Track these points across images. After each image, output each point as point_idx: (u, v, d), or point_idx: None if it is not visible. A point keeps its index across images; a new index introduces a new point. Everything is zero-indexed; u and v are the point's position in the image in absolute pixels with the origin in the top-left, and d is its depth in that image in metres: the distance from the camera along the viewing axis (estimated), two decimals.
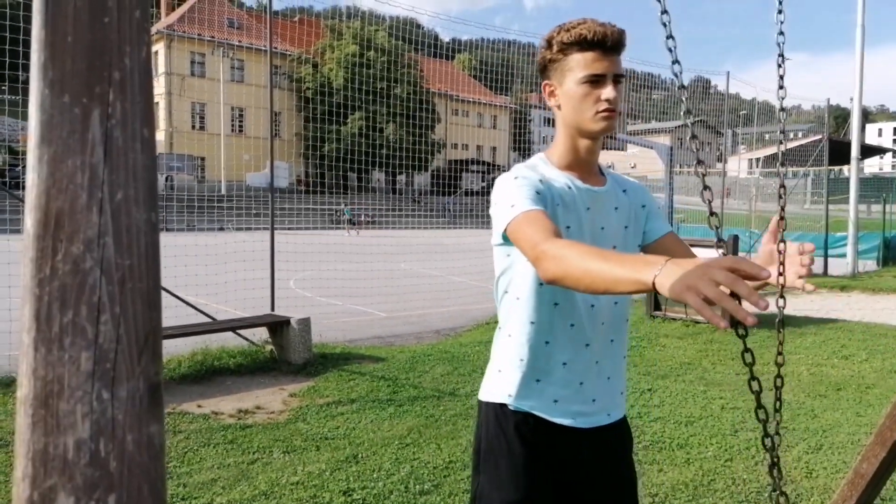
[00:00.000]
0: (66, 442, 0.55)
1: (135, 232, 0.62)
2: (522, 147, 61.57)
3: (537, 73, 1.63)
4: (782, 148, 1.68)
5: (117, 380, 0.57)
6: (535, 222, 1.33)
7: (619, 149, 12.23)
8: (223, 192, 33.92)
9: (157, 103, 44.29)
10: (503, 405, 1.60)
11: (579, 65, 1.50)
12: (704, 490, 3.55)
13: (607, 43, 1.49)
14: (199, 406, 4.99)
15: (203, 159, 41.67)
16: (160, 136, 42.91)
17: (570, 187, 1.55)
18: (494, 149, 60.80)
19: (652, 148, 12.45)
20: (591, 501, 1.64)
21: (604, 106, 1.50)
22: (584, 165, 1.60)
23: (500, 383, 1.61)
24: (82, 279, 0.60)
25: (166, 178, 32.60)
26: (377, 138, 39.82)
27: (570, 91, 1.52)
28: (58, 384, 0.56)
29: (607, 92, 1.49)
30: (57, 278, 0.60)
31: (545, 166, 1.59)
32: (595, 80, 1.49)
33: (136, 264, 0.61)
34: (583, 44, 1.49)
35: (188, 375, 5.67)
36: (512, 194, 1.45)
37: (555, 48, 1.53)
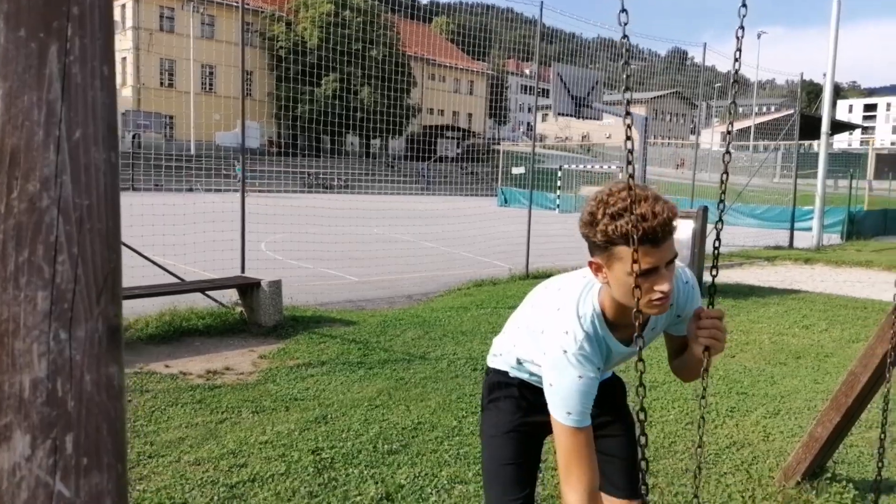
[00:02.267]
0: (21, 381, 0.55)
1: (94, 171, 0.61)
2: (499, 114, 61.19)
3: (581, 235, 1.51)
4: (734, 127, 1.68)
5: (75, 320, 0.56)
6: (581, 459, 1.54)
7: (595, 118, 12.19)
8: (192, 151, 33.23)
9: (125, 58, 42.88)
10: (506, 372, 1.94)
11: (628, 259, 1.39)
12: (665, 452, 3.66)
13: (657, 238, 1.38)
14: (167, 366, 4.95)
15: (172, 118, 40.66)
16: (127, 92, 41.67)
17: (610, 351, 1.64)
18: (471, 115, 60.39)
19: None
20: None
21: (657, 297, 1.44)
22: (630, 323, 1.57)
23: (509, 359, 1.93)
24: (39, 218, 0.58)
25: (133, 136, 31.78)
26: (352, 101, 39.20)
27: (619, 278, 1.45)
28: (13, 323, 0.55)
29: (662, 285, 1.42)
30: (12, 216, 0.59)
31: (599, 328, 1.59)
32: (647, 273, 1.40)
33: (95, 204, 0.60)
34: (630, 240, 1.37)
35: (155, 336, 5.62)
36: (574, 399, 1.53)
37: (598, 235, 1.42)
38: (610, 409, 1.94)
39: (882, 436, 2.12)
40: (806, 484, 3.21)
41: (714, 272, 1.49)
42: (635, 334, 1.42)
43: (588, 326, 1.57)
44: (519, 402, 1.88)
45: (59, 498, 0.55)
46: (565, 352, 1.54)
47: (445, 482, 3.20)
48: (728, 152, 1.54)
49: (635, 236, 1.34)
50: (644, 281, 1.40)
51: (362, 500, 3.00)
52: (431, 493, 3.08)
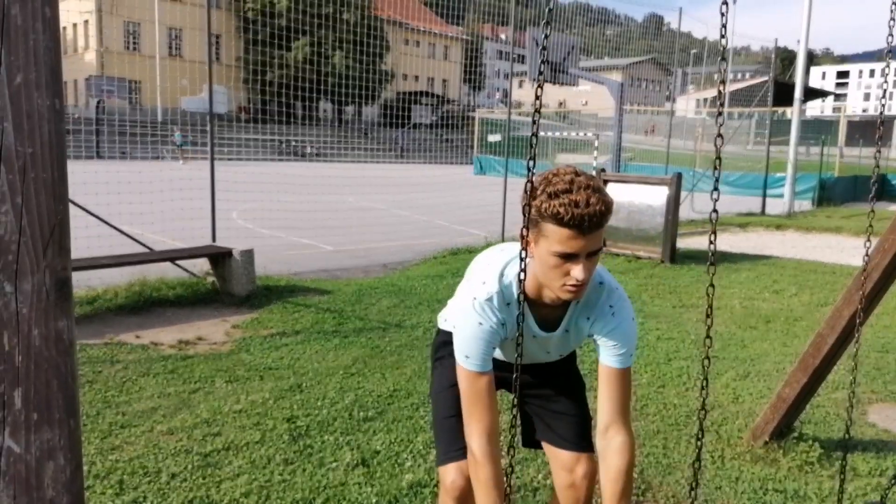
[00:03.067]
0: None
1: (37, 118, 0.56)
2: (474, 79, 60.59)
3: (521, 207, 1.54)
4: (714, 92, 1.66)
5: (21, 273, 0.53)
6: (479, 402, 1.61)
7: (571, 84, 12.15)
8: (159, 118, 32.43)
9: (87, 21, 41.43)
10: (449, 332, 1.91)
11: (554, 237, 1.45)
12: (637, 414, 3.72)
13: (584, 226, 1.43)
14: (138, 337, 4.88)
15: (138, 83, 39.55)
16: (90, 56, 40.38)
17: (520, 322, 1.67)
18: (446, 81, 59.73)
19: (603, 84, 12.43)
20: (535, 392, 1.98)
21: (572, 282, 1.49)
22: (550, 305, 1.67)
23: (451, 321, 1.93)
24: None
25: (98, 102, 30.85)
26: (324, 66, 38.45)
27: (542, 255, 1.50)
28: None
29: (577, 272, 1.47)
30: None
31: (515, 294, 1.64)
32: (567, 257, 1.47)
33: (40, 153, 0.56)
34: (559, 221, 1.43)
35: (125, 306, 5.52)
36: (470, 343, 1.61)
37: (533, 209, 1.47)
38: (554, 377, 1.99)
39: (851, 395, 2.16)
40: (773, 443, 3.29)
41: (712, 259, 1.46)
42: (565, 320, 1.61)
43: (506, 286, 1.63)
44: None
45: (9, 453, 0.54)
46: (474, 299, 1.61)
47: (421, 447, 3.21)
48: (720, 135, 1.48)
49: (566, 218, 1.41)
50: (562, 263, 1.47)
51: (338, 467, 3.00)
52: (407, 459, 3.10)
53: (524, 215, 1.49)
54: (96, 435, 3.23)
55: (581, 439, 1.92)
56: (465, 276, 1.92)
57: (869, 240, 2.27)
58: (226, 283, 6.08)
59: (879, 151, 2.36)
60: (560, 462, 1.91)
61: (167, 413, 3.53)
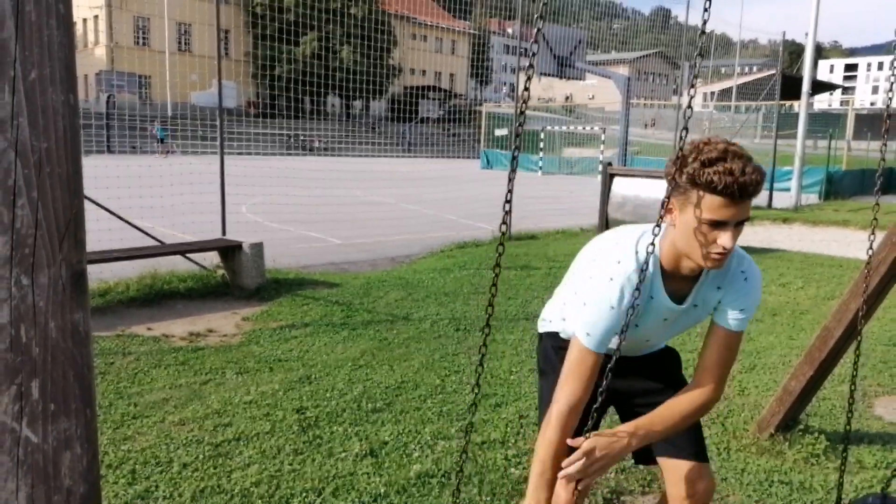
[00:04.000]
0: None
1: (51, 114, 0.58)
2: (481, 74, 60.43)
3: (664, 176, 1.54)
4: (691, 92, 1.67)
5: (37, 266, 0.54)
6: (580, 376, 1.60)
7: (578, 78, 12.10)
8: (169, 112, 32.51)
9: (97, 16, 41.57)
10: (556, 334, 1.96)
11: (704, 205, 1.45)
12: None
13: (737, 195, 1.42)
14: (149, 329, 4.93)
15: (148, 78, 39.67)
16: (100, 51, 40.53)
17: (652, 298, 1.65)
18: (453, 76, 59.60)
19: (610, 78, 12.37)
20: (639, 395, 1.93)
21: (718, 250, 1.48)
22: (683, 276, 1.64)
23: (560, 326, 1.95)
24: None
25: (108, 97, 30.97)
26: (332, 60, 38.44)
27: (688, 223, 1.49)
28: None
29: (725, 239, 1.46)
30: None
31: (651, 268, 1.61)
32: (717, 224, 1.46)
33: (55, 148, 0.58)
34: (712, 189, 1.43)
35: (136, 299, 5.57)
36: (598, 324, 1.58)
37: (684, 177, 1.47)
38: (664, 379, 1.93)
39: (852, 387, 2.17)
40: (779, 436, 3.30)
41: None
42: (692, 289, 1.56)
43: (642, 261, 1.57)
44: None
45: (27, 443, 0.55)
46: (611, 279, 1.56)
47: (428, 438, 3.24)
48: (685, 119, 1.52)
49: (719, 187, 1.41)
50: (710, 231, 1.46)
51: (347, 457, 3.03)
52: (415, 450, 3.13)
53: (671, 185, 1.50)
54: (109, 425, 3.28)
55: (701, 450, 1.86)
56: (573, 270, 1.83)
57: (874, 233, 2.27)
58: (236, 276, 6.12)
59: (885, 144, 2.36)
60: (679, 474, 1.82)
61: (178, 404, 3.57)
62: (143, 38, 42.99)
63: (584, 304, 1.60)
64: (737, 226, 1.47)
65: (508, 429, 3.37)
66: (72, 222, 0.57)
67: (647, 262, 1.55)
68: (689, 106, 1.51)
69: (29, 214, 0.56)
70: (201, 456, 3.01)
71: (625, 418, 1.91)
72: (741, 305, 1.67)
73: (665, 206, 1.51)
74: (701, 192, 1.44)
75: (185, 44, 43.39)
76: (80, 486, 0.58)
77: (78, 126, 0.62)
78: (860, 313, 2.37)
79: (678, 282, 1.64)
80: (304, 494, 2.72)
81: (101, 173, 7.14)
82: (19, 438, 0.54)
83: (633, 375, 1.91)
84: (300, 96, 36.72)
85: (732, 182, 1.40)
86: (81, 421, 0.57)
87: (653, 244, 1.52)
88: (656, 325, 1.72)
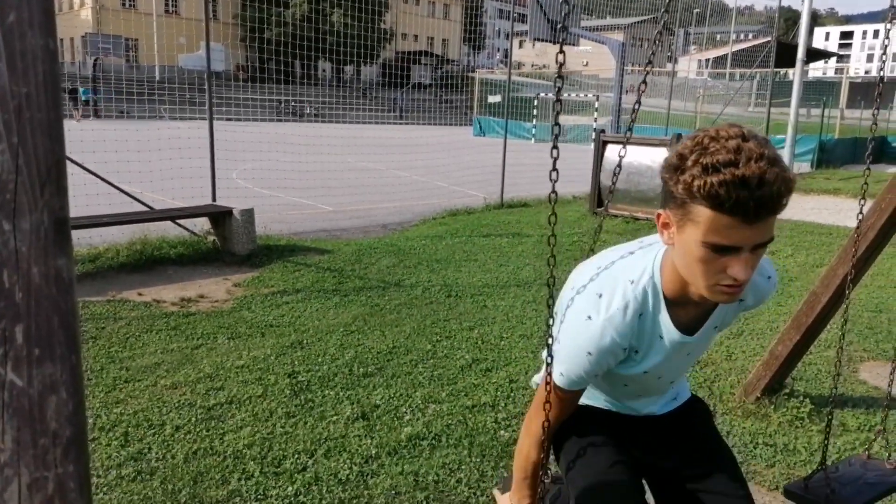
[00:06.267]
0: None
1: (31, 58, 0.57)
2: (474, 39, 59.61)
3: (660, 178, 1.17)
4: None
5: (19, 212, 0.54)
6: (558, 407, 1.37)
7: (572, 44, 11.96)
8: (157, 76, 31.96)
9: None
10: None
11: (707, 224, 1.08)
12: None
13: (751, 213, 1.04)
14: (140, 294, 4.92)
15: (135, 41, 38.91)
16: (86, 13, 39.64)
17: (661, 338, 1.31)
18: (446, 41, 58.78)
19: (605, 44, 12.24)
20: (678, 468, 1.52)
21: (727, 282, 1.12)
22: (696, 303, 1.29)
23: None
24: None
25: (95, 60, 30.40)
26: (322, 23, 37.77)
27: (688, 244, 1.12)
28: None
29: (737, 270, 1.09)
30: None
31: (650, 301, 1.28)
32: (724, 249, 1.09)
33: (34, 93, 0.57)
34: (718, 205, 1.05)
35: (127, 264, 5.55)
36: (571, 367, 1.29)
37: (680, 186, 1.09)
38: (695, 447, 1.52)
39: (839, 350, 2.20)
40: (765, 399, 3.36)
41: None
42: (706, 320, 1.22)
43: (638, 294, 1.25)
44: (609, 436, 1.53)
45: (12, 387, 0.55)
46: (589, 318, 1.25)
47: (419, 402, 3.28)
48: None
49: (727, 203, 1.04)
50: (717, 258, 1.10)
51: (338, 420, 3.06)
52: (406, 412, 3.16)
53: (666, 194, 1.14)
54: (101, 389, 3.29)
55: (747, 490, 1.47)
56: (561, 301, 1.41)
57: (864, 198, 2.28)
58: (226, 242, 6.10)
59: (878, 109, 2.35)
60: None
61: (170, 368, 3.59)
62: (131, 0, 42.05)
63: (558, 342, 1.31)
64: (754, 250, 1.10)
65: (498, 393, 3.41)
66: (53, 168, 0.56)
67: (644, 294, 1.26)
68: (644, 81, 1.41)
69: (9, 160, 0.55)
70: (194, 419, 3.03)
71: (668, 498, 1.54)
72: (757, 304, 1.43)
73: (660, 219, 1.18)
74: (702, 208, 1.07)
75: (173, 5, 42.46)
76: (66, 430, 0.59)
77: (58, 72, 0.60)
78: (848, 278, 2.39)
79: (689, 308, 1.29)
80: (296, 456, 2.75)
81: (87, 137, 7.04)
82: (4, 382, 0.54)
83: (658, 447, 1.55)
84: (290, 60, 36.17)
85: (746, 198, 1.02)
86: (67, 366, 0.57)
87: (651, 277, 1.23)
88: (667, 363, 1.37)
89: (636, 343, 1.29)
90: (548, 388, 1.33)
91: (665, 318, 1.27)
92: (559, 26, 1.28)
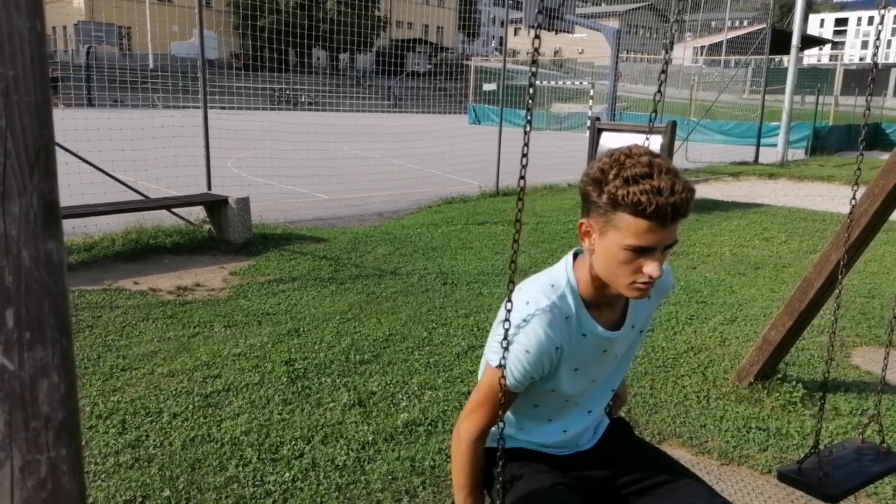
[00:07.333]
0: None
1: (18, 40, 0.57)
2: (469, 27, 59.27)
3: (580, 191, 1.34)
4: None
5: (8, 195, 0.54)
6: (495, 406, 1.42)
7: (567, 31, 11.91)
8: (150, 64, 31.70)
9: None
10: (494, 448, 1.53)
11: (628, 229, 1.25)
12: None
13: (667, 217, 1.22)
14: (136, 283, 4.92)
15: (128, 29, 38.57)
16: (78, 1, 39.28)
17: (585, 336, 1.43)
18: (441, 29, 58.44)
19: (600, 31, 12.18)
20: (627, 486, 1.59)
21: (644, 280, 1.30)
22: (610, 303, 1.45)
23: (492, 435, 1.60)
24: None
25: (87, 49, 30.14)
26: (317, 11, 37.47)
27: (609, 249, 1.29)
28: None
29: (652, 268, 1.27)
30: None
31: (572, 303, 1.41)
32: (641, 251, 1.27)
33: (22, 76, 0.56)
34: (638, 212, 1.23)
35: (122, 253, 5.54)
36: (514, 363, 1.37)
37: (604, 197, 1.26)
38: (632, 459, 1.61)
39: (832, 334, 2.22)
40: (758, 384, 3.38)
41: None
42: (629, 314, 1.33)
43: (559, 296, 1.39)
44: (548, 466, 1.58)
45: (3, 370, 0.56)
46: (524, 321, 1.37)
47: (416, 388, 3.29)
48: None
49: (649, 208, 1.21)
50: (634, 258, 1.28)
51: (335, 407, 3.08)
52: (402, 399, 3.18)
53: (588, 205, 1.30)
54: (98, 377, 3.30)
55: (712, 491, 1.52)
56: (497, 319, 1.50)
57: (857, 183, 2.29)
58: (222, 231, 6.09)
59: (871, 95, 2.35)
60: None
61: (167, 356, 3.59)
62: None
63: (496, 343, 1.40)
64: (664, 251, 1.29)
65: None
66: (42, 151, 0.56)
67: (563, 298, 1.39)
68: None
69: None
70: (191, 406, 3.04)
71: None
72: (661, 299, 1.57)
73: (582, 227, 1.34)
74: (624, 215, 1.24)
75: None
76: (58, 413, 0.59)
77: (45, 55, 0.60)
78: (841, 263, 2.40)
79: (607, 309, 1.45)
80: (293, 442, 2.77)
81: (81, 125, 7.00)
82: None
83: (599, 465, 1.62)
84: (284, 48, 35.91)
85: (664, 203, 1.21)
86: (58, 350, 0.58)
87: (566, 280, 1.35)
88: (598, 361, 1.49)
89: (565, 343, 1.40)
90: (502, 390, 1.38)
91: (586, 317, 1.42)
92: (535, 11, 1.29)
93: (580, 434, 1.59)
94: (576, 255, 1.45)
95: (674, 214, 1.22)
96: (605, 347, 1.47)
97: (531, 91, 1.30)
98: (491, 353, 1.43)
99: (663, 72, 1.61)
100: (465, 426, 1.46)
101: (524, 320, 1.36)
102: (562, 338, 1.38)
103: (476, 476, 1.49)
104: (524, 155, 1.30)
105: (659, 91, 1.60)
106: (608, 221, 1.27)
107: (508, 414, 1.57)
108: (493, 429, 1.51)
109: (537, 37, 1.29)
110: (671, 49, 1.68)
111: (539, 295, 1.38)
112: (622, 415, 1.77)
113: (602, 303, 1.43)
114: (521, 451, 1.58)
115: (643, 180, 1.22)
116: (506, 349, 1.36)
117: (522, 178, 1.30)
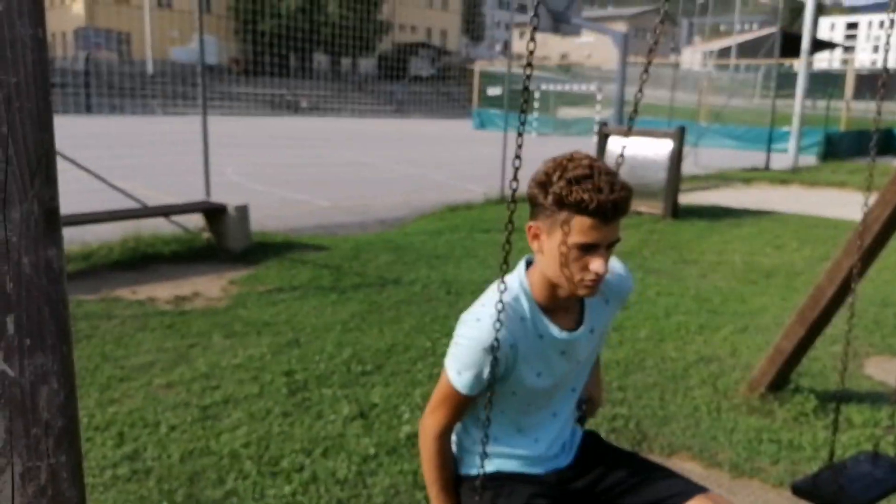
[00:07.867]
0: None
1: (20, 47, 0.54)
2: (473, 30, 59.41)
3: (527, 195, 1.42)
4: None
5: (9, 202, 0.55)
6: (451, 408, 1.49)
7: (573, 34, 11.89)
8: (150, 70, 31.73)
9: None
10: (468, 476, 1.60)
11: (574, 227, 1.34)
12: (635, 367, 3.74)
13: (608, 214, 1.33)
14: (134, 292, 4.87)
15: (127, 34, 38.67)
16: (77, 7, 39.40)
17: (542, 337, 1.48)
18: (445, 32, 58.53)
19: (607, 34, 12.17)
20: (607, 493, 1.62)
21: (591, 276, 1.37)
22: (564, 306, 1.50)
23: (465, 461, 1.63)
24: None
25: (86, 55, 30.22)
26: (318, 15, 37.52)
27: (556, 249, 1.38)
28: None
29: (597, 265, 1.36)
30: None
31: (526, 306, 1.46)
32: (587, 248, 1.35)
33: (24, 83, 0.55)
34: (581, 210, 1.32)
35: (120, 262, 5.49)
36: (467, 366, 1.43)
37: (549, 198, 1.35)
38: (610, 469, 1.64)
39: (846, 344, 2.17)
40: (769, 395, 3.33)
41: None
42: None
43: (512, 298, 1.45)
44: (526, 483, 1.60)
45: (4, 377, 0.56)
46: (478, 320, 1.42)
47: (419, 400, 3.24)
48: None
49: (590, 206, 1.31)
50: (581, 256, 1.36)
51: (336, 419, 3.02)
52: (405, 411, 3.12)
53: (536, 208, 1.39)
54: (95, 388, 3.25)
55: (689, 481, 1.58)
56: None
57: (869, 189, 2.24)
58: (221, 239, 6.04)
59: (882, 100, 2.31)
60: None
61: (165, 367, 3.54)
62: None
63: (456, 343, 1.45)
64: (608, 248, 1.38)
65: None
66: (43, 158, 0.57)
67: (517, 301, 1.45)
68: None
69: None
70: (189, 418, 2.99)
71: None
72: (622, 301, 1.64)
73: (530, 231, 1.41)
74: (569, 214, 1.33)
75: None
76: (58, 420, 0.60)
77: (47, 61, 0.58)
78: (854, 271, 2.35)
79: (562, 312, 1.50)
80: (293, 455, 2.71)
81: (79, 132, 6.97)
82: None
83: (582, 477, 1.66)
84: (285, 53, 35.97)
85: (605, 201, 1.31)
86: (58, 357, 0.58)
87: (503, 281, 1.39)
88: (559, 365, 1.52)
89: (521, 343, 1.45)
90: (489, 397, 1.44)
91: (541, 319, 1.48)
92: (531, 14, 1.36)
93: (552, 443, 1.61)
94: (529, 263, 1.50)
95: (614, 211, 1.33)
96: (563, 349, 1.51)
97: (525, 95, 1.36)
98: (448, 356, 1.49)
99: (646, 70, 1.63)
100: (429, 423, 1.52)
101: (477, 319, 1.42)
102: (516, 337, 1.44)
103: (446, 469, 1.54)
104: (517, 157, 1.35)
105: (640, 91, 1.64)
106: (554, 222, 1.36)
107: (478, 429, 1.57)
108: (475, 458, 1.55)
109: (532, 39, 1.35)
110: (656, 48, 1.69)
111: (494, 297, 1.43)
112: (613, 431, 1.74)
113: (556, 306, 1.49)
114: (500, 474, 1.61)
115: (585, 181, 1.32)
116: (460, 349, 1.43)
117: (515, 179, 1.34)
